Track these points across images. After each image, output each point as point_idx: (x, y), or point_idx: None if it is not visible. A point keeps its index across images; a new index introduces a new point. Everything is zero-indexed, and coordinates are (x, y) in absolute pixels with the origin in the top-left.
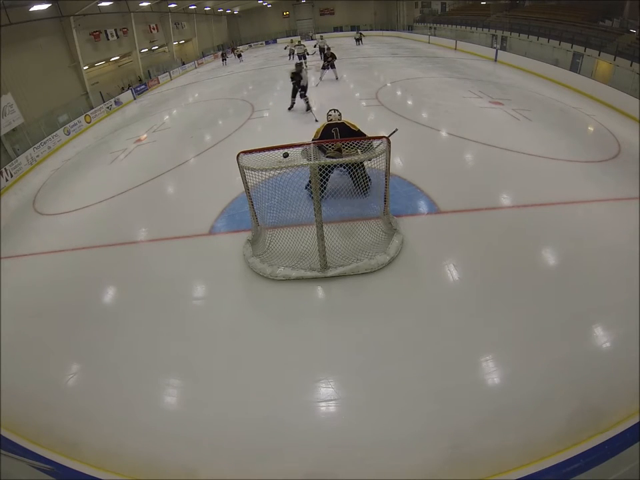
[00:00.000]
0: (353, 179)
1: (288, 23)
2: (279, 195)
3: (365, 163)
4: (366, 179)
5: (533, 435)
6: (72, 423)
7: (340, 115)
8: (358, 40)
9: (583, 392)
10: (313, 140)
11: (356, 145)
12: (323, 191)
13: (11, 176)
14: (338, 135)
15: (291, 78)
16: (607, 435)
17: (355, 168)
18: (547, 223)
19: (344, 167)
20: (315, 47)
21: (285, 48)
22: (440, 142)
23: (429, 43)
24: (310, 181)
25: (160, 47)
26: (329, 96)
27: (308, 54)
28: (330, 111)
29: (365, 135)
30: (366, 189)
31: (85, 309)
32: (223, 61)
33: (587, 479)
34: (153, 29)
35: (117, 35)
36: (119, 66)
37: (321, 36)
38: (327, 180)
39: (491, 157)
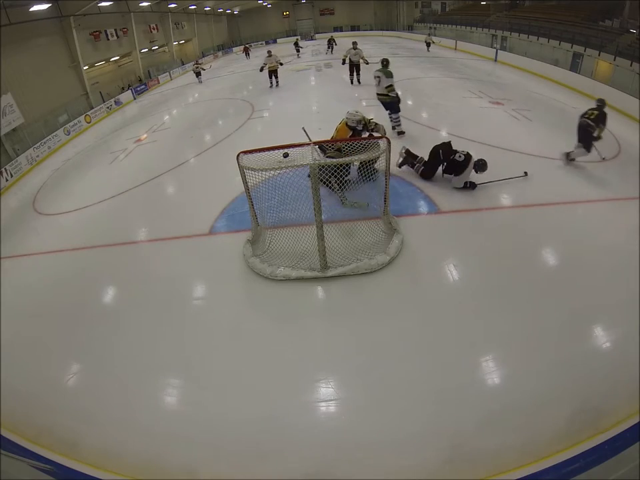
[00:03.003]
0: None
1: (288, 23)
2: (279, 195)
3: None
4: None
5: (532, 435)
6: (72, 423)
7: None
8: (330, 43)
9: (583, 392)
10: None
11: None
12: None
13: (11, 176)
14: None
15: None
16: (607, 435)
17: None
18: (546, 223)
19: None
20: (343, 62)
21: (262, 69)
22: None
23: None
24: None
25: (160, 47)
26: (329, 95)
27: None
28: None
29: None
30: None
31: (85, 308)
32: (198, 76)
33: (587, 479)
34: (153, 28)
35: (117, 35)
36: (119, 66)
37: (354, 43)
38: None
39: (491, 156)
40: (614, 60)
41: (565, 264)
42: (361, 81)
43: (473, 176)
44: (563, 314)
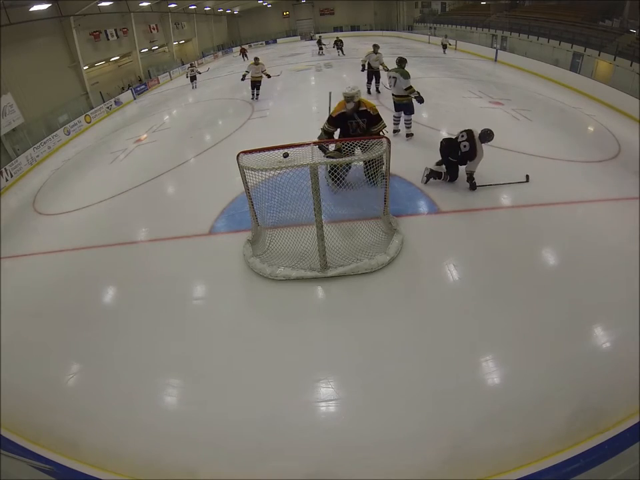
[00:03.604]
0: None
1: (288, 23)
2: (279, 195)
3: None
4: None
5: (532, 435)
6: (72, 423)
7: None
8: (337, 45)
9: (583, 392)
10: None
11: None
12: (341, 181)
13: (11, 176)
14: (358, 126)
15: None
16: (607, 435)
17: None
18: (546, 223)
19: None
20: (363, 69)
21: (243, 78)
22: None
23: (429, 43)
24: (329, 171)
25: (160, 47)
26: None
27: None
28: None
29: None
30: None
31: (85, 308)
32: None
33: (587, 479)
34: (153, 28)
35: (117, 35)
36: (119, 66)
37: (376, 46)
38: (347, 171)
39: (491, 157)
40: (614, 60)
41: (564, 264)
42: (380, 90)
43: (478, 175)
44: (562, 314)
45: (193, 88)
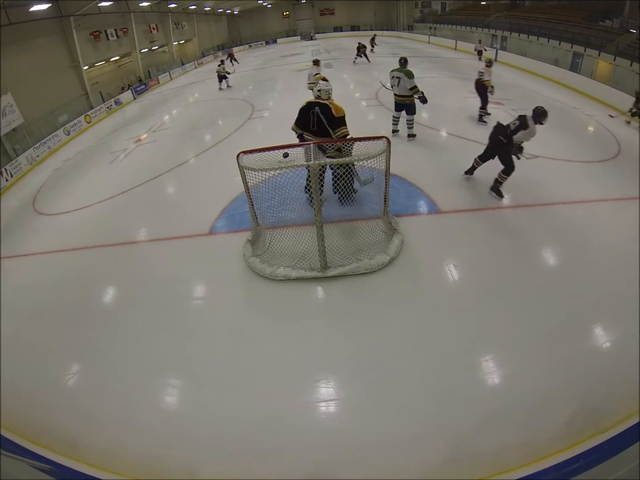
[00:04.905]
0: (334, 185)
1: (288, 23)
2: (279, 195)
3: (363, 163)
4: (348, 188)
5: (532, 435)
6: (72, 423)
7: (329, 91)
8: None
9: (583, 392)
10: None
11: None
12: (320, 194)
13: (11, 176)
14: (315, 117)
15: None
16: (607, 435)
17: (338, 175)
18: (546, 223)
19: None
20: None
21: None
22: (440, 142)
23: (429, 43)
24: (307, 184)
25: (160, 47)
26: None
27: None
28: (320, 81)
29: (345, 123)
30: (346, 199)
31: (85, 308)
32: (220, 82)
33: (587, 479)
34: (153, 28)
35: (117, 35)
36: (119, 66)
37: (490, 62)
38: (323, 181)
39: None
40: (614, 60)
41: (564, 264)
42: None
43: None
44: (562, 313)
45: (220, 89)
